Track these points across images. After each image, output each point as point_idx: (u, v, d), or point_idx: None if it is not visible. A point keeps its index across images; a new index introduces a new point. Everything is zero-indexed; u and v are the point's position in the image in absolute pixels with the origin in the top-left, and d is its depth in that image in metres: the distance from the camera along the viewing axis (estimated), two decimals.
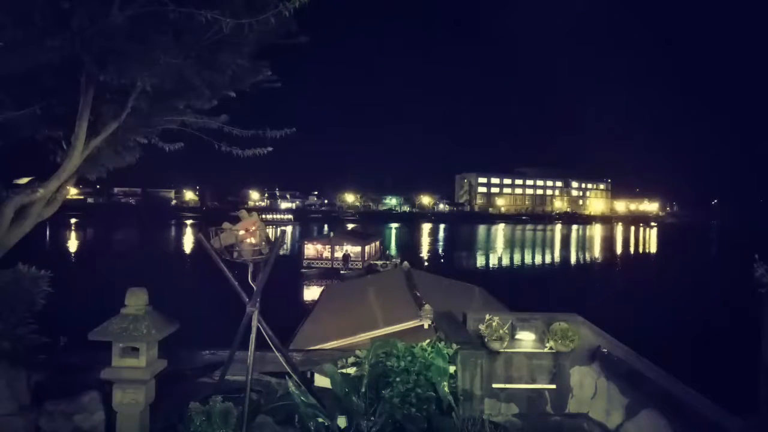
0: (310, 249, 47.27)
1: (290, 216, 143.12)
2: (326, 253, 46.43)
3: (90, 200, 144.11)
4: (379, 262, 45.78)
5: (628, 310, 28.47)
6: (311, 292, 36.16)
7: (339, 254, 45.69)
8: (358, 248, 46.22)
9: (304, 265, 45.47)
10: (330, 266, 44.89)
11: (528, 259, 67.99)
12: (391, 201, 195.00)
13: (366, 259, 46.22)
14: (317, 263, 45.98)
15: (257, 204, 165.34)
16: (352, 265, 44.65)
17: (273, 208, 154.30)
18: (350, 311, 12.12)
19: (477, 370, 5.95)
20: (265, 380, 6.24)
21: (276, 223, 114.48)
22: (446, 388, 5.82)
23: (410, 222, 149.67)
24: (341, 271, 42.80)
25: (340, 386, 5.70)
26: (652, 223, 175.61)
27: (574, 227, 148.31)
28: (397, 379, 5.68)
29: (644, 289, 40.95)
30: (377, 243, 54.44)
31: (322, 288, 25.39)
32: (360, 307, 11.95)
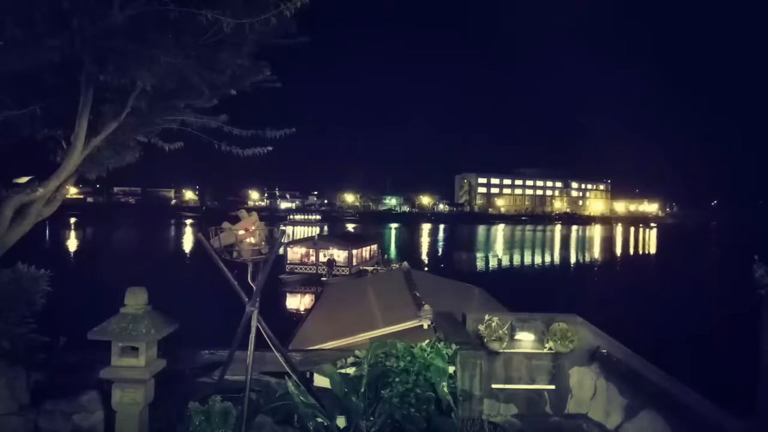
0: (295, 253, 43.63)
1: (317, 216, 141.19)
2: (311, 258, 42.96)
3: (90, 200, 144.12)
4: (370, 268, 42.04)
5: (628, 310, 28.45)
6: (287, 302, 34.68)
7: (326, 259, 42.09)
8: (345, 252, 42.63)
9: (286, 270, 42.02)
10: (314, 272, 41.08)
11: (528, 260, 67.96)
12: (391, 201, 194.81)
13: (354, 264, 42.79)
14: (300, 268, 42.53)
15: (257, 204, 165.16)
16: (337, 271, 40.83)
17: (273, 208, 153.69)
18: (349, 311, 12.10)
19: (476, 370, 5.95)
20: (264, 380, 6.23)
21: (304, 224, 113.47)
22: (445, 389, 5.82)
23: (410, 222, 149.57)
24: (322, 278, 38.13)
25: (339, 386, 5.70)
26: (652, 224, 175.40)
27: (574, 228, 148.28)
28: (397, 379, 5.69)
29: (644, 289, 40.90)
30: (373, 247, 50.66)
31: (307, 293, 24.35)
32: (359, 307, 11.94)
